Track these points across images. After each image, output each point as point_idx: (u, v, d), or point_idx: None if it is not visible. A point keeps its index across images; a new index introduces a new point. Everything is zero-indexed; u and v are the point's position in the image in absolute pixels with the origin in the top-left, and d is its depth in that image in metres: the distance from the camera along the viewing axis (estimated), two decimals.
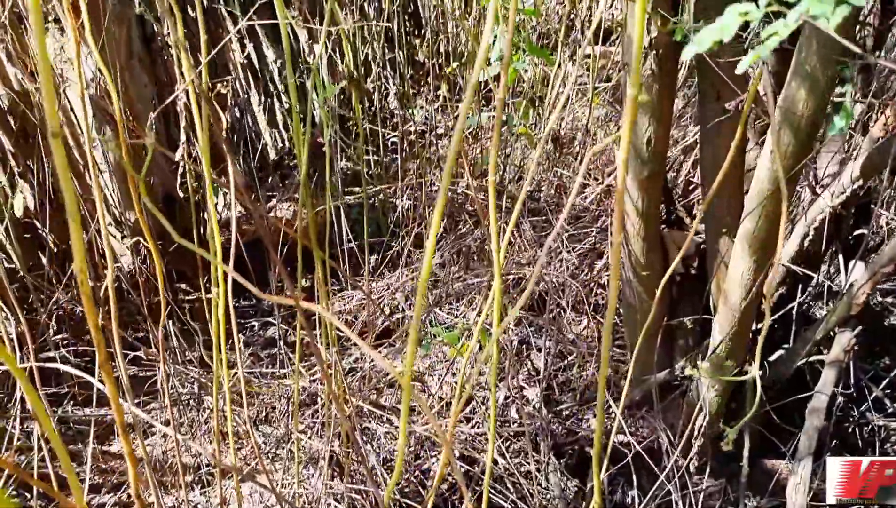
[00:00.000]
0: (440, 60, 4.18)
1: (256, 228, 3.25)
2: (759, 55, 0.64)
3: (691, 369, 1.39)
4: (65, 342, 2.58)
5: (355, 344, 2.73)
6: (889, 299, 2.36)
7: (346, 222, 2.85)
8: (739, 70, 0.67)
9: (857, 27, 1.97)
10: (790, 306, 2.04)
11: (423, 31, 4.62)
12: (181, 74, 2.61)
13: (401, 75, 4.29)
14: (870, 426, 2.24)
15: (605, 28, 3.74)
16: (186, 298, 2.97)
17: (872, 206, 2.07)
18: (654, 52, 1.65)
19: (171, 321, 2.40)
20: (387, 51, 4.25)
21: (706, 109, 1.82)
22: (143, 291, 2.60)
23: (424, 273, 0.91)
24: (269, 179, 3.64)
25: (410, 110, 3.72)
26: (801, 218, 1.90)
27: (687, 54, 0.64)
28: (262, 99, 3.90)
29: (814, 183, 1.91)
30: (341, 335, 2.69)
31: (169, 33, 3.18)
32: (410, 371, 0.82)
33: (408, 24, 4.58)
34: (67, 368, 1.30)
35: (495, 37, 2.88)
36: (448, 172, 0.83)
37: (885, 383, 2.08)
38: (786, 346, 2.14)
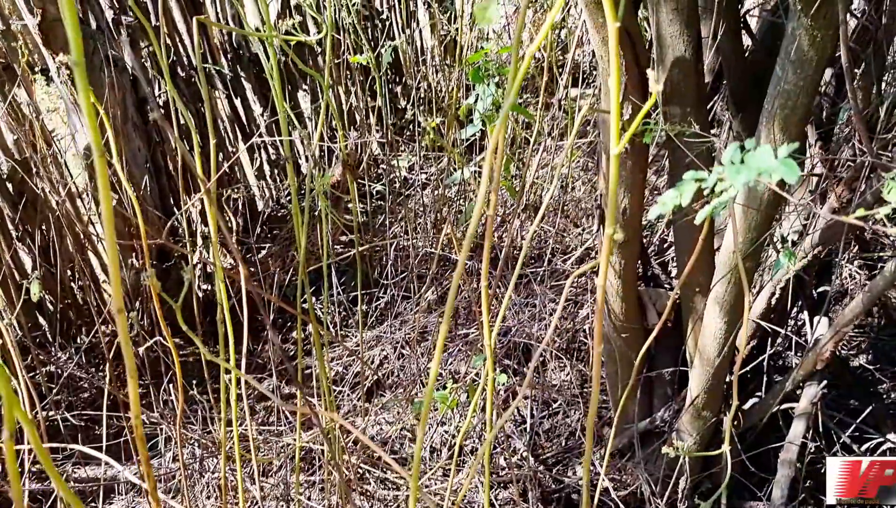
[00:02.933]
0: (423, 108, 4.31)
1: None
2: (713, 211, 0.76)
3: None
4: (65, 402, 2.65)
5: (348, 397, 2.82)
6: (853, 351, 2.50)
7: (336, 275, 2.95)
8: (698, 221, 0.78)
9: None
10: (761, 358, 2.16)
11: (403, 79, 4.76)
12: (178, 132, 2.72)
13: (383, 123, 4.42)
14: None
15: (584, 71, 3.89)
16: (181, 353, 3.04)
17: (836, 259, 2.21)
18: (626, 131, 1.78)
19: (168, 380, 2.48)
20: (369, 99, 4.39)
21: (677, 179, 1.94)
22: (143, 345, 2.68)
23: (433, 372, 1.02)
24: (259, 231, 3.73)
25: (396, 161, 3.85)
26: (769, 278, 2.03)
27: (652, 215, 0.75)
28: (250, 151, 4.01)
29: (779, 244, 2.04)
30: (335, 388, 2.78)
31: (161, 95, 3.29)
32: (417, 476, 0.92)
33: (390, 72, 4.72)
34: (88, 450, 1.38)
35: (477, 96, 3.02)
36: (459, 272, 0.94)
37: (851, 429, 2.20)
38: (759, 394, 2.26)
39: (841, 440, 2.21)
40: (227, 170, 3.85)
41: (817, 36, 1.39)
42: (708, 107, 2.61)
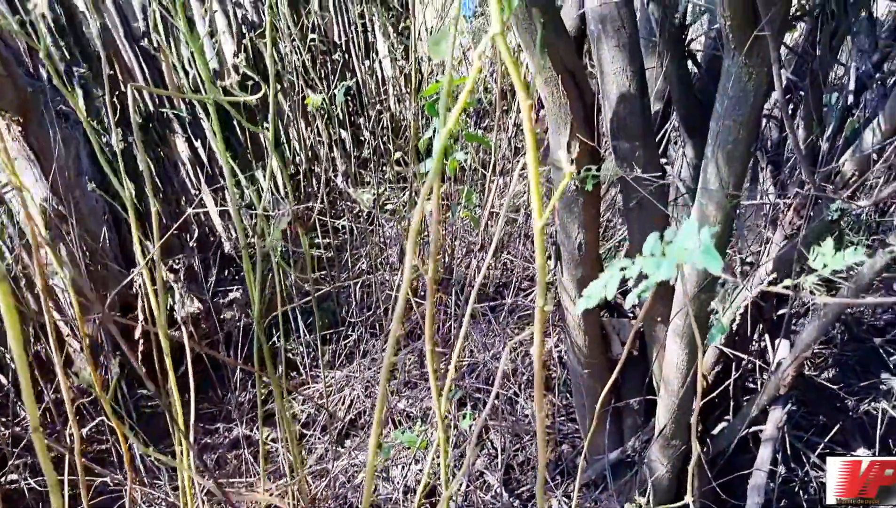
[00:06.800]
0: (385, 139, 4.31)
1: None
2: (643, 291, 0.75)
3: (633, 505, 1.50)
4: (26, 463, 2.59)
5: (319, 439, 2.79)
6: (818, 370, 2.51)
7: (301, 317, 2.93)
8: (627, 305, 0.77)
9: (764, 121, 2.13)
10: (727, 382, 2.16)
11: (365, 111, 4.76)
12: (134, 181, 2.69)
13: (347, 155, 4.41)
14: (814, 485, 2.36)
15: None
16: (147, 404, 3.00)
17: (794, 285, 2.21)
18: (577, 170, 1.78)
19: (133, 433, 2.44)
20: (331, 132, 4.38)
21: (631, 215, 1.94)
22: (93, 368, 2.63)
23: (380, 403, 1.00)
24: (225, 273, 3.70)
25: (359, 195, 3.83)
26: (728, 305, 2.03)
27: (579, 309, 0.74)
28: (214, 192, 3.97)
29: (738, 264, 2.05)
30: (305, 432, 2.75)
31: (119, 143, 3.25)
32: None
33: (351, 104, 4.71)
34: None
35: (435, 129, 3.01)
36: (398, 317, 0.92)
37: (820, 448, 2.21)
38: (728, 419, 2.26)
39: (811, 460, 2.21)
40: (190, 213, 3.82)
41: (753, 73, 1.40)
42: (662, 133, 2.62)
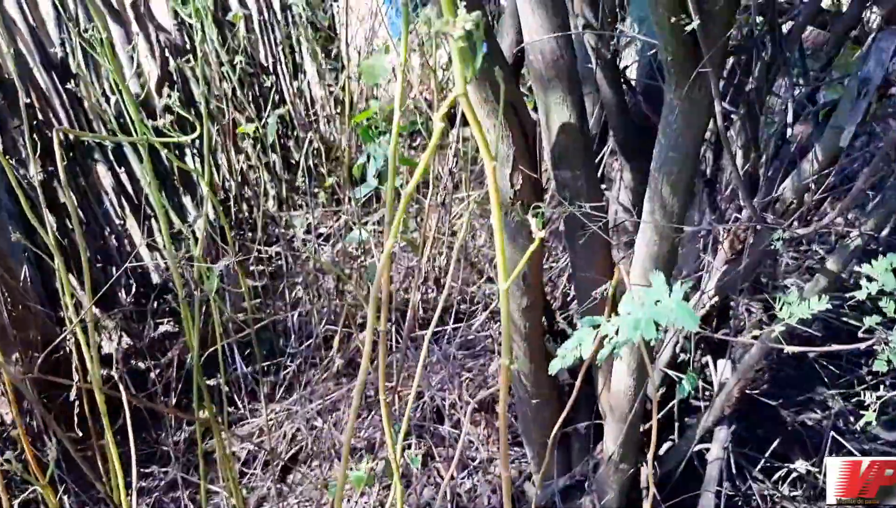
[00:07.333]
0: (316, 162, 4.25)
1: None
2: (615, 348, 0.74)
3: None
4: None
5: (260, 477, 2.71)
6: (755, 385, 2.56)
7: (238, 349, 2.85)
8: (599, 361, 0.76)
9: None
10: (671, 404, 2.18)
11: (295, 133, 4.68)
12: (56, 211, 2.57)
13: (278, 179, 4.33)
14: (756, 498, 2.40)
15: None
16: (78, 447, 2.86)
17: (733, 301, 2.26)
18: (520, 201, 1.77)
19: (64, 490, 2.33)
20: (261, 155, 4.29)
21: (573, 242, 1.94)
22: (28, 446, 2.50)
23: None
24: (155, 305, 3.57)
25: (291, 221, 3.76)
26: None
27: (553, 368, 0.72)
28: (139, 222, 3.83)
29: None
30: (246, 471, 2.66)
31: (39, 173, 3.11)
32: None
33: (280, 126, 4.63)
34: None
35: (369, 155, 2.97)
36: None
37: (760, 464, 2.25)
38: (672, 438, 2.28)
39: (752, 475, 2.25)
40: (116, 243, 3.68)
41: (695, 106, 1.41)
42: (600, 156, 2.65)
